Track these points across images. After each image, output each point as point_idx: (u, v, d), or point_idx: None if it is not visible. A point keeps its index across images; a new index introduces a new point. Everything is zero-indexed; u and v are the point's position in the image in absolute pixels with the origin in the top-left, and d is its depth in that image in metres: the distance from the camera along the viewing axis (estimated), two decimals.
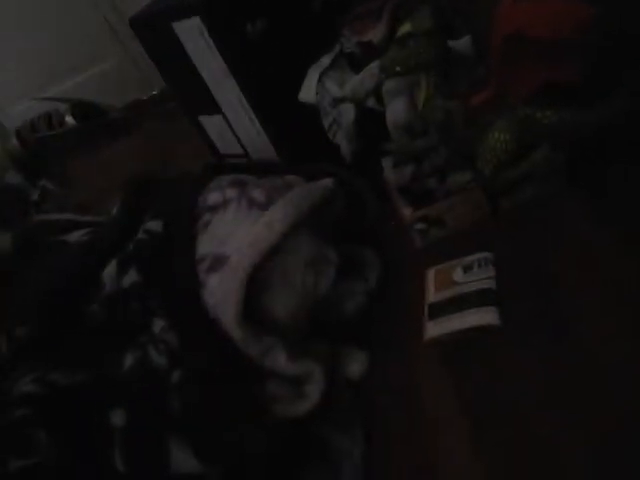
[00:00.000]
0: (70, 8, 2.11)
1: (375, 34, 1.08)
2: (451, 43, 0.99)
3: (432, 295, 0.84)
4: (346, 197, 0.94)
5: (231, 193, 0.89)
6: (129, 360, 0.77)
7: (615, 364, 0.65)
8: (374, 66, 1.01)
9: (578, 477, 0.59)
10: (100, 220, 1.17)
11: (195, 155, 1.39)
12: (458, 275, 0.84)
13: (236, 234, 0.83)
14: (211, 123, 1.30)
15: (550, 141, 0.87)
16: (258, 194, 0.87)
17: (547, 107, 0.85)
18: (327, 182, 0.91)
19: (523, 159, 0.88)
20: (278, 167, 1.17)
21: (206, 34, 1.10)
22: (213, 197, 0.90)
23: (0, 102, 2.27)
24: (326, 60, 1.11)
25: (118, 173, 1.49)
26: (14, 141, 1.84)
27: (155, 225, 0.90)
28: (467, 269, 0.84)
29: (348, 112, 1.05)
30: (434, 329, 0.80)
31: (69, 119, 1.97)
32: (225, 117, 1.24)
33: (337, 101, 1.07)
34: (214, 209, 0.88)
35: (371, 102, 1.03)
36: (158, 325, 0.79)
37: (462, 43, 0.99)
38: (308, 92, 1.11)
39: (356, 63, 1.08)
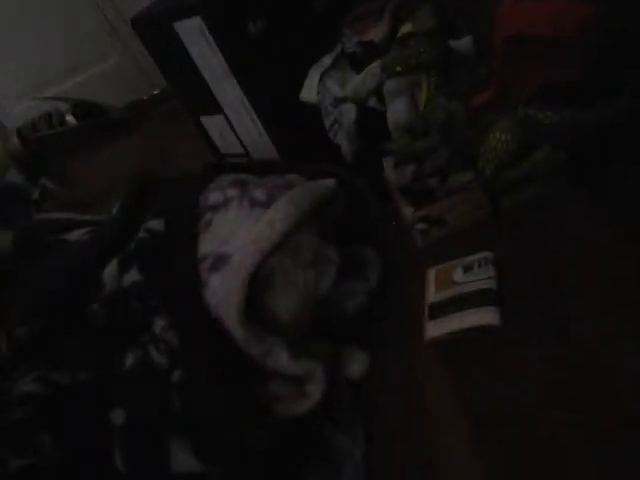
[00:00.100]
0: (71, 8, 2.10)
1: (376, 34, 1.08)
2: (452, 43, 0.99)
3: (432, 295, 0.84)
4: (347, 197, 0.94)
5: (232, 192, 0.89)
6: (130, 359, 0.77)
7: (615, 363, 0.65)
8: (375, 66, 1.01)
9: (578, 476, 0.59)
10: (101, 219, 1.17)
11: (195, 155, 1.40)
12: (458, 275, 0.84)
13: (238, 233, 0.83)
14: (212, 123, 1.30)
15: (551, 141, 0.87)
16: (259, 193, 0.87)
17: (548, 107, 0.85)
18: (328, 182, 0.91)
19: (524, 159, 0.88)
20: (279, 167, 1.17)
21: (207, 34, 1.10)
22: (214, 196, 0.91)
23: (1, 101, 2.27)
24: (327, 60, 1.11)
25: (118, 172, 1.50)
26: (15, 140, 1.83)
27: (156, 224, 0.90)
28: (467, 269, 0.84)
29: (349, 112, 1.05)
30: (434, 329, 0.80)
31: (70, 119, 1.97)
32: (226, 117, 1.24)
33: (338, 101, 1.07)
34: (215, 208, 0.88)
35: (372, 102, 1.04)
36: (159, 324, 0.79)
37: (463, 43, 0.99)
38: (309, 92, 1.11)
39: (357, 63, 1.08)
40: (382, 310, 0.88)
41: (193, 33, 1.13)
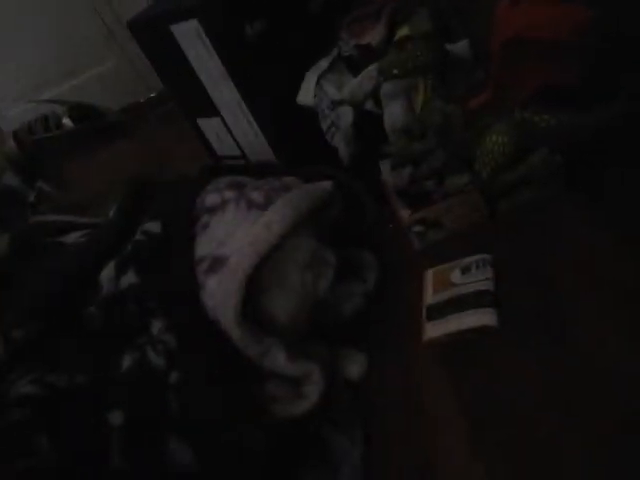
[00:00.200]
0: (68, 11, 2.11)
1: (373, 37, 1.08)
2: (449, 46, 0.99)
3: (430, 296, 0.85)
4: (344, 199, 0.94)
5: (229, 194, 0.89)
6: (127, 361, 0.77)
7: (611, 367, 0.65)
8: (372, 69, 1.01)
9: (575, 477, 0.59)
10: (97, 222, 1.17)
11: (192, 157, 1.40)
12: (456, 277, 0.85)
13: (235, 235, 0.83)
14: (209, 125, 1.30)
15: (548, 144, 0.88)
16: (257, 195, 0.87)
17: (545, 110, 0.86)
18: (326, 184, 0.91)
19: (521, 162, 0.89)
20: (276, 169, 1.17)
21: (204, 36, 1.11)
22: (211, 199, 0.90)
23: None
24: (324, 63, 1.11)
25: (115, 175, 1.49)
26: (11, 143, 1.84)
27: (153, 226, 0.90)
28: (465, 271, 0.84)
29: (346, 115, 1.06)
30: (432, 330, 0.80)
31: (66, 121, 1.97)
32: (223, 119, 1.24)
33: (335, 104, 1.07)
34: (212, 210, 0.88)
35: (369, 105, 1.04)
36: (156, 326, 0.79)
37: (460, 46, 0.99)
38: (306, 95, 1.11)
39: (354, 66, 1.08)
40: (380, 312, 0.88)
41: (190, 36, 1.13)
